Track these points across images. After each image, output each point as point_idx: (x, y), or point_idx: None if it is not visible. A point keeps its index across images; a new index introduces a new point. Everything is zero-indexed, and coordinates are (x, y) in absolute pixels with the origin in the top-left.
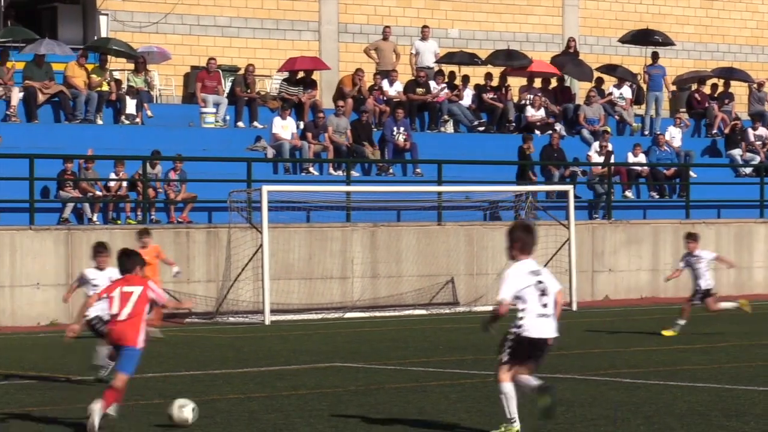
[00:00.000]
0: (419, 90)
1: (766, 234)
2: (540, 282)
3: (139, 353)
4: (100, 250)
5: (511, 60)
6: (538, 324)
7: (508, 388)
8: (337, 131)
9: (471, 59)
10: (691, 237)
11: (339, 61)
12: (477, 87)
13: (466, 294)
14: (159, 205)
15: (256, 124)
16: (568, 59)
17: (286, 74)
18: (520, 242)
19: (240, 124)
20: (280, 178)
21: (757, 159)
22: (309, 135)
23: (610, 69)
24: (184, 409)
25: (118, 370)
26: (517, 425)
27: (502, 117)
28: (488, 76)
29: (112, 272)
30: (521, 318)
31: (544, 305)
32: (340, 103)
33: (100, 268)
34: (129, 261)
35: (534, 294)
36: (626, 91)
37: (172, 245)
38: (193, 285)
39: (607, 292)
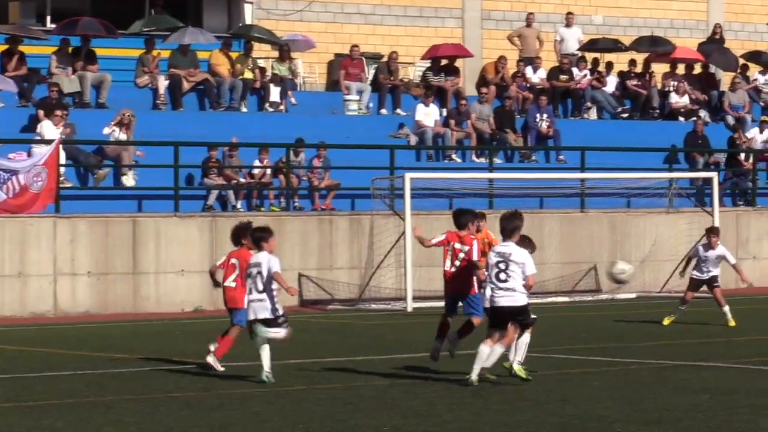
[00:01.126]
0: (562, 77)
1: None
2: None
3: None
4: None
5: (655, 46)
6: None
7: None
8: (480, 118)
9: (615, 45)
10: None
11: (482, 48)
12: (620, 74)
13: (608, 282)
14: (302, 193)
15: (399, 111)
16: (714, 47)
17: (429, 62)
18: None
19: (383, 111)
20: (422, 166)
21: None
22: (452, 122)
23: (755, 56)
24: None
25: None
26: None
27: (646, 104)
28: (632, 63)
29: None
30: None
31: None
32: (483, 90)
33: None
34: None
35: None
36: None
37: (316, 232)
38: (335, 272)
39: (752, 280)
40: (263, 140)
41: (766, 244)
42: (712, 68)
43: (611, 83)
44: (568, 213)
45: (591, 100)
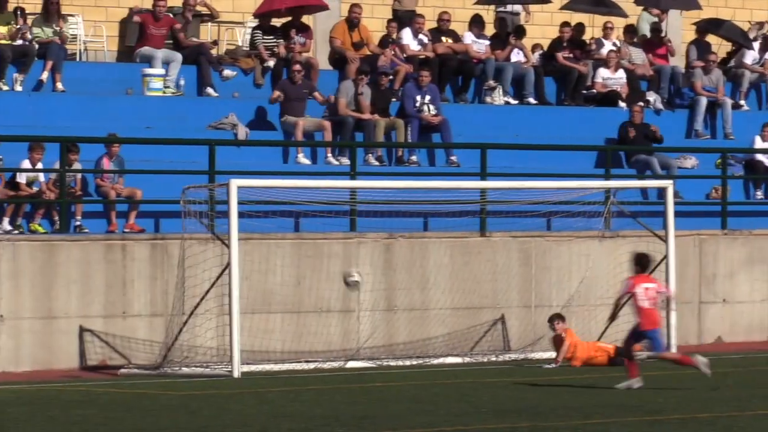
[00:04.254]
0: (445, 39)
1: None
2: None
3: None
4: None
5: (596, 6)
6: None
7: None
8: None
9: None
10: None
11: (341, 2)
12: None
13: (521, 335)
14: (88, 208)
15: (210, 91)
16: None
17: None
18: None
19: (208, 91)
20: (256, 169)
21: None
22: (298, 105)
23: (712, 24)
24: None
25: None
26: None
27: (578, 83)
28: (564, 26)
29: None
30: None
31: None
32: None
33: None
34: None
35: None
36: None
37: (101, 264)
38: (130, 321)
39: (721, 332)
40: (33, 132)
41: (742, 281)
42: (664, 28)
43: (525, 54)
44: (462, 238)
45: (494, 78)
